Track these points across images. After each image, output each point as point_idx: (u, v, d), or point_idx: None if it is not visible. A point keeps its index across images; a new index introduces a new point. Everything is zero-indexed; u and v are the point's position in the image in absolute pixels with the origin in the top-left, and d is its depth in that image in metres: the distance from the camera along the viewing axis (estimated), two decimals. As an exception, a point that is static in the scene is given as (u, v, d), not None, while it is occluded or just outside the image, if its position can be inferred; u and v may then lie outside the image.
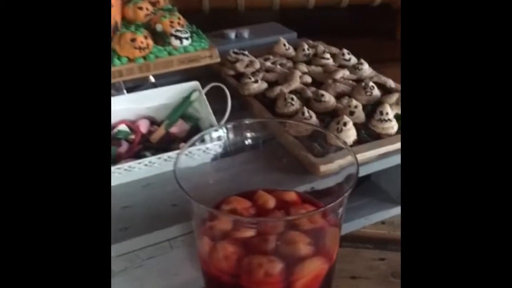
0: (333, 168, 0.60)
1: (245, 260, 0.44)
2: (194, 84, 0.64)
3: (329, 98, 0.70)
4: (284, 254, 0.44)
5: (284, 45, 0.90)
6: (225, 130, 0.54)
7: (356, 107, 0.67)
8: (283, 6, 1.26)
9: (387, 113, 0.64)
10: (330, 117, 0.68)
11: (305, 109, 0.66)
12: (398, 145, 0.63)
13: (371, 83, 0.72)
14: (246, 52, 0.88)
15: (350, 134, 0.62)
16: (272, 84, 0.78)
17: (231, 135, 0.57)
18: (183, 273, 0.57)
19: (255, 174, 0.59)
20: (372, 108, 0.69)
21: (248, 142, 0.58)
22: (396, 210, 0.70)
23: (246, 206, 0.52)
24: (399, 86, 0.76)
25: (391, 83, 0.76)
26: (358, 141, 0.63)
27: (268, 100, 0.74)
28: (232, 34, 1.07)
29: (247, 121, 0.55)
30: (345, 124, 0.62)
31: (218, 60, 0.72)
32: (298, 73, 0.78)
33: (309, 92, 0.74)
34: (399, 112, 0.68)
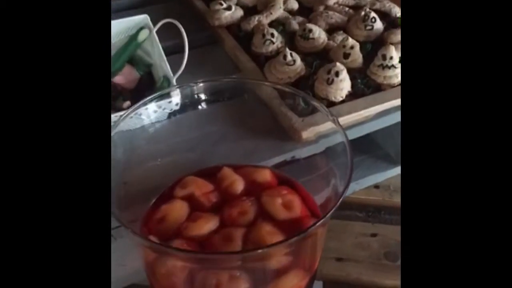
0: (320, 132, 0.48)
1: (199, 275, 0.34)
2: (142, 18, 0.49)
3: (318, 34, 0.55)
4: (252, 267, 0.34)
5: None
6: (178, 94, 0.41)
7: (352, 47, 0.53)
8: None
9: (391, 57, 0.51)
10: (319, 59, 0.54)
11: (288, 50, 0.52)
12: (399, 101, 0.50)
13: (372, 14, 0.57)
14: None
15: (344, 86, 0.49)
16: (249, 11, 0.63)
17: (187, 92, 0.44)
18: (129, 263, 0.47)
19: (221, 140, 0.47)
20: (372, 49, 0.55)
21: (211, 97, 0.45)
22: (394, 171, 0.59)
23: (206, 190, 0.40)
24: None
25: (397, 11, 0.61)
26: (353, 94, 0.50)
27: (243, 34, 0.59)
28: None
29: (201, 83, 0.41)
30: (337, 73, 0.49)
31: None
32: (282, -2, 0.63)
33: (295, 23, 0.59)
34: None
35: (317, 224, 0.30)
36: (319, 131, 0.48)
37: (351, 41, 0.53)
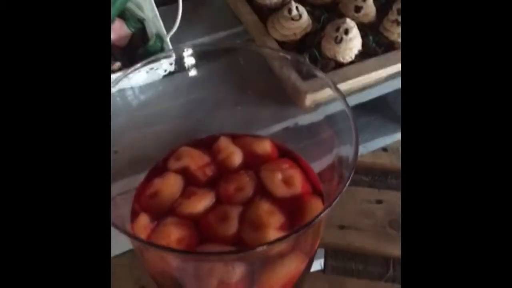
0: (325, 97, 0.44)
1: (192, 261, 0.32)
2: (132, -32, 0.44)
3: (328, -18, 0.50)
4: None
5: None
6: (171, 56, 0.37)
7: (364, 0, 0.48)
8: None
9: (407, 13, 0.46)
10: (328, 12, 0.50)
11: (293, 3, 0.47)
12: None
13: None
14: None
15: (353, 44, 0.45)
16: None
17: (181, 54, 0.40)
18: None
19: (219, 106, 0.43)
20: (386, 2, 0.50)
21: (207, 58, 0.42)
22: (403, 133, 0.56)
23: (202, 163, 0.38)
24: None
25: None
26: (364, 53, 0.46)
27: None
28: None
29: (191, 49, 0.37)
30: (346, 31, 0.44)
31: None
32: None
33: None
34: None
35: (322, 214, 0.28)
36: (324, 97, 0.44)
37: (364, -8, 0.48)
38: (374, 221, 0.50)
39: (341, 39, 0.44)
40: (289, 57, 0.38)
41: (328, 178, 0.38)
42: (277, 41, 0.47)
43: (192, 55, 0.38)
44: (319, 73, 0.36)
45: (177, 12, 0.43)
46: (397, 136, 0.56)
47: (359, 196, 0.52)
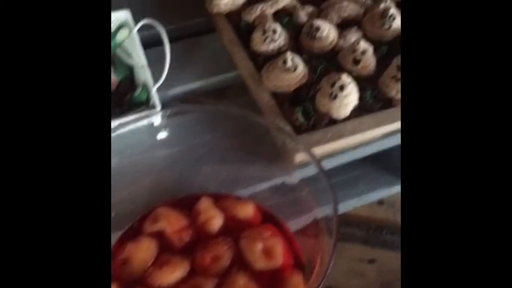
0: (318, 154, 0.42)
1: None
2: (122, 15, 0.43)
3: (327, 32, 0.49)
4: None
5: None
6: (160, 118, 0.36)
7: (363, 52, 0.46)
8: None
9: (407, 69, 0.44)
10: (326, 62, 0.48)
11: (289, 54, 0.45)
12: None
13: (392, 10, 0.49)
14: None
15: (349, 101, 0.43)
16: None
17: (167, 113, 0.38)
18: None
19: (204, 158, 0.42)
20: (389, 52, 0.48)
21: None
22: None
23: (179, 226, 0.36)
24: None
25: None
26: (360, 108, 0.44)
27: (244, 25, 0.53)
28: None
29: (191, 107, 0.36)
30: (342, 88, 0.43)
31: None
32: (291, -18, 0.55)
33: (303, 15, 0.52)
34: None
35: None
36: (318, 154, 0.43)
37: (363, 44, 0.46)
38: (365, 283, 0.47)
39: (336, 95, 0.43)
40: (266, 123, 0.36)
41: (310, 246, 0.37)
42: (271, 91, 0.46)
43: (174, 114, 0.36)
44: (293, 140, 0.34)
45: (165, 62, 0.42)
46: (395, 189, 0.54)
47: (350, 253, 0.50)
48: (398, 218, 0.52)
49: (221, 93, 0.53)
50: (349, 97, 0.43)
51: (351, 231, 0.52)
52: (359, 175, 0.54)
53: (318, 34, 0.48)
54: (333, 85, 0.43)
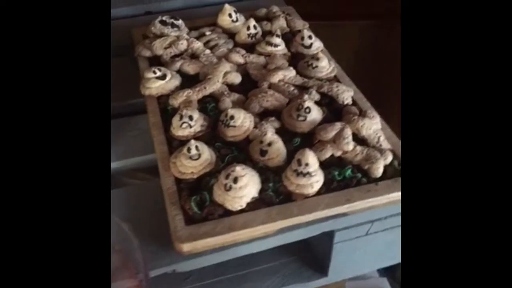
0: (207, 246, 0.42)
1: None
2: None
3: (242, 121, 0.49)
4: None
5: (230, 15, 0.67)
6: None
7: (270, 144, 0.47)
8: None
9: (306, 164, 0.44)
10: (237, 150, 0.49)
11: (193, 143, 0.46)
12: (309, 216, 0.43)
13: (307, 104, 0.50)
14: (180, 22, 0.67)
15: (244, 193, 0.43)
16: (189, 80, 0.58)
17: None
18: None
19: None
20: (302, 143, 0.49)
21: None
22: (320, 282, 0.52)
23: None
24: (358, 108, 0.54)
25: (345, 98, 0.54)
26: (259, 200, 0.44)
27: (171, 109, 0.54)
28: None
29: None
30: (235, 180, 0.43)
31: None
32: (224, 68, 0.57)
33: (228, 102, 0.54)
34: (343, 155, 0.47)
35: None
36: (207, 245, 0.42)
37: (269, 136, 0.47)
38: None
39: (230, 187, 0.43)
40: (127, 229, 0.37)
41: None
42: (176, 177, 0.46)
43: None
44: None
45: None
46: (313, 285, 0.52)
47: None
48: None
49: (145, 173, 0.54)
50: (244, 190, 0.43)
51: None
52: (274, 267, 0.53)
53: (232, 122, 0.49)
54: (227, 176, 0.43)
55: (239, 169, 0.43)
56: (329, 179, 0.46)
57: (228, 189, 0.43)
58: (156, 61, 0.62)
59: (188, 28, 0.67)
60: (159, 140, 0.51)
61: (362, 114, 0.50)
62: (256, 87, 0.56)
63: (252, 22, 0.64)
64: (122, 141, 0.54)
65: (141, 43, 0.64)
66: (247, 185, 0.43)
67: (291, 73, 0.57)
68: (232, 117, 0.49)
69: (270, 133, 0.47)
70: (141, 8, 0.80)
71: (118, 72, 0.60)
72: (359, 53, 0.98)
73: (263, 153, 0.47)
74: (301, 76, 0.57)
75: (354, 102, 0.54)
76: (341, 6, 0.94)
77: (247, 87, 0.57)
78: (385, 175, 0.46)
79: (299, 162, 0.44)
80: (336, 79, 0.58)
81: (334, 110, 0.53)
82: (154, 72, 0.56)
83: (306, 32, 0.62)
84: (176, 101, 0.54)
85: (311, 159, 0.44)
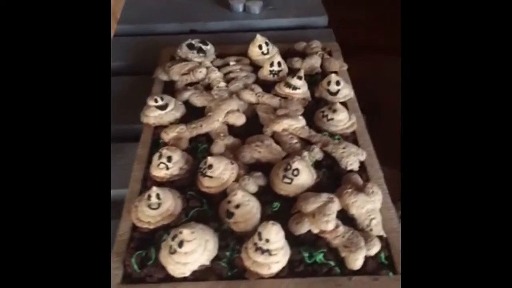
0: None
1: None
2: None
3: (220, 173, 0.44)
4: None
5: (260, 46, 0.62)
6: None
7: (237, 206, 0.41)
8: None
9: (267, 240, 0.37)
10: (208, 205, 0.44)
11: (154, 190, 0.42)
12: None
13: (296, 165, 0.43)
14: (208, 47, 0.63)
15: (189, 260, 0.38)
16: (195, 112, 0.54)
17: None
18: None
19: None
20: (279, 211, 0.43)
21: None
22: None
23: None
24: (365, 177, 0.46)
25: (348, 163, 0.46)
26: (210, 270, 0.38)
27: (162, 144, 0.51)
28: (239, 6, 0.80)
29: None
30: (180, 244, 0.38)
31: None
32: (227, 107, 0.52)
33: (221, 145, 0.49)
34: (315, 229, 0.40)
35: None
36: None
37: (239, 198, 0.41)
38: None
39: (175, 250, 0.38)
40: None
41: None
42: (133, 223, 0.43)
43: None
44: None
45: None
46: None
47: None
48: None
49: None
50: (190, 256, 0.38)
51: None
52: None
53: (209, 172, 0.44)
54: (173, 238, 0.38)
55: (186, 233, 0.38)
56: (297, 260, 0.39)
57: (172, 252, 0.38)
58: (171, 86, 0.59)
59: (216, 54, 0.63)
60: (136, 176, 0.47)
61: (360, 187, 0.43)
62: (261, 132, 0.51)
63: (277, 59, 0.58)
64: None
65: (162, 65, 0.62)
66: (194, 252, 0.38)
67: (298, 123, 0.50)
68: (210, 166, 0.44)
69: (240, 194, 0.41)
70: (188, 26, 0.78)
71: (139, 91, 0.58)
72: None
73: (229, 215, 0.41)
74: (315, 128, 0.50)
75: (363, 168, 0.47)
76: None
77: (251, 130, 0.51)
78: (364, 269, 0.38)
79: (259, 236, 0.38)
80: (353, 135, 0.51)
81: (334, 174, 0.46)
82: (156, 101, 0.53)
83: (334, 77, 0.55)
84: (167, 136, 0.50)
85: (274, 236, 0.38)
